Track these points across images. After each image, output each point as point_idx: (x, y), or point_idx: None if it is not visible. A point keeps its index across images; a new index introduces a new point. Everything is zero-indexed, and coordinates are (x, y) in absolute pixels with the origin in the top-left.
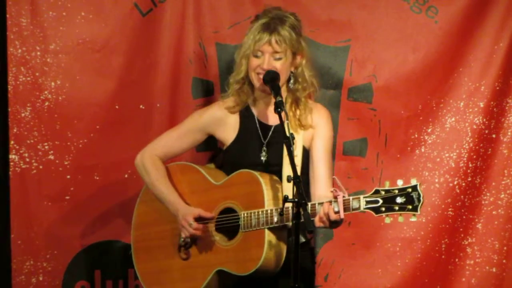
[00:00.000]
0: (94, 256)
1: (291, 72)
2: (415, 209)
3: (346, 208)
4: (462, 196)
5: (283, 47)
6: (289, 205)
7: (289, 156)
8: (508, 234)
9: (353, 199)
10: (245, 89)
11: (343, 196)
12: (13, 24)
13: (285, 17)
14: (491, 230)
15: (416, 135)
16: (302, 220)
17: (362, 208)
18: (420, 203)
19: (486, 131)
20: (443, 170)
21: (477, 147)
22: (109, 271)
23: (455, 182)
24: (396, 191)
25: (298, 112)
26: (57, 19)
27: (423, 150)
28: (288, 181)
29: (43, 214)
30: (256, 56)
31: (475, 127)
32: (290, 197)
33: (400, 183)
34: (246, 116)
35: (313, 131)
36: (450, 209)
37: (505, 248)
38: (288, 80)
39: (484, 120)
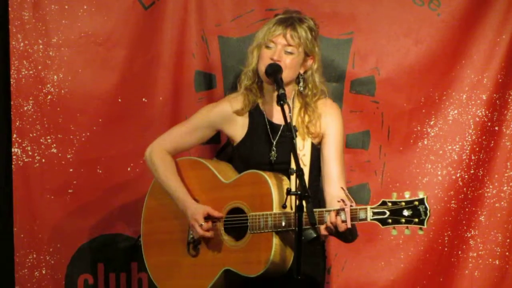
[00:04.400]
0: (97, 249)
1: (300, 74)
2: (421, 222)
3: (353, 218)
4: (465, 189)
5: (296, 42)
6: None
7: (292, 148)
8: (511, 227)
9: (360, 209)
10: (254, 88)
11: (351, 206)
12: (15, 17)
13: (304, 18)
14: (494, 223)
15: (418, 128)
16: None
17: (369, 219)
18: (427, 217)
19: (489, 124)
20: (446, 162)
21: (479, 140)
22: (112, 264)
23: (458, 175)
24: (403, 204)
25: (306, 118)
26: (59, 13)
27: (425, 142)
28: (291, 173)
29: (46, 207)
30: (268, 47)
31: (477, 119)
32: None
33: (407, 196)
34: (255, 114)
35: (323, 131)
36: (453, 202)
37: (508, 240)
38: (298, 83)
39: (487, 112)
